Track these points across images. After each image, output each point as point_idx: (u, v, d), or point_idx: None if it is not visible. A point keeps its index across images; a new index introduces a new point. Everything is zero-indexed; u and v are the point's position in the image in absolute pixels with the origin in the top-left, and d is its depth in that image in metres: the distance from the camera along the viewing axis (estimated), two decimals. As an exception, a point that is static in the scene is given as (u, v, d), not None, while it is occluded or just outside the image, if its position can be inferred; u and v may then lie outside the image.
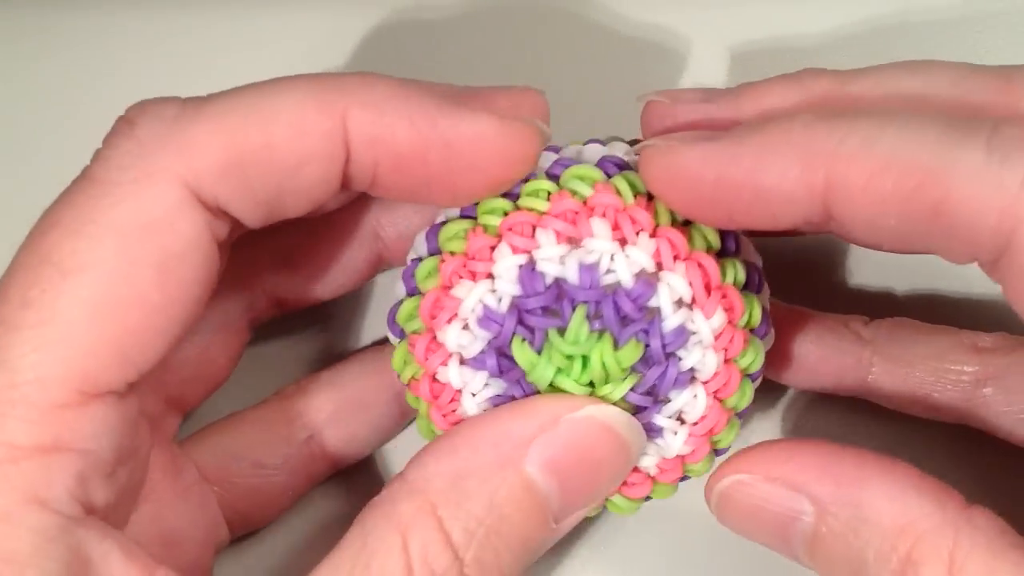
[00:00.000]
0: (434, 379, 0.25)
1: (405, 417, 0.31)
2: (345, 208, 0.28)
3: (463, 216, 0.25)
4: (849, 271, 0.31)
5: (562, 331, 0.24)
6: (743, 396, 0.25)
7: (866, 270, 0.31)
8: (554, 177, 0.24)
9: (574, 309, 0.24)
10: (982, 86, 0.23)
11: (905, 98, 0.23)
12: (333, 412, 0.29)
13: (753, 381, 0.26)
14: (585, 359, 0.24)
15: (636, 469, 0.25)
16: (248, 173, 0.22)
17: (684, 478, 0.26)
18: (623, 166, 0.25)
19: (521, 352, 0.24)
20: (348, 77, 0.23)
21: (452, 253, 0.24)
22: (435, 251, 0.25)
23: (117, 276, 0.21)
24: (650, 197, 0.24)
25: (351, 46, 0.34)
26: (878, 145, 0.21)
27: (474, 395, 0.25)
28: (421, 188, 0.24)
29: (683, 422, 0.25)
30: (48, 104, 0.34)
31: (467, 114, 0.23)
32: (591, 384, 0.24)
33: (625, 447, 0.24)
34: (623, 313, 0.24)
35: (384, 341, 0.31)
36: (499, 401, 0.24)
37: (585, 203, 0.24)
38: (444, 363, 0.24)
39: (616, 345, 0.24)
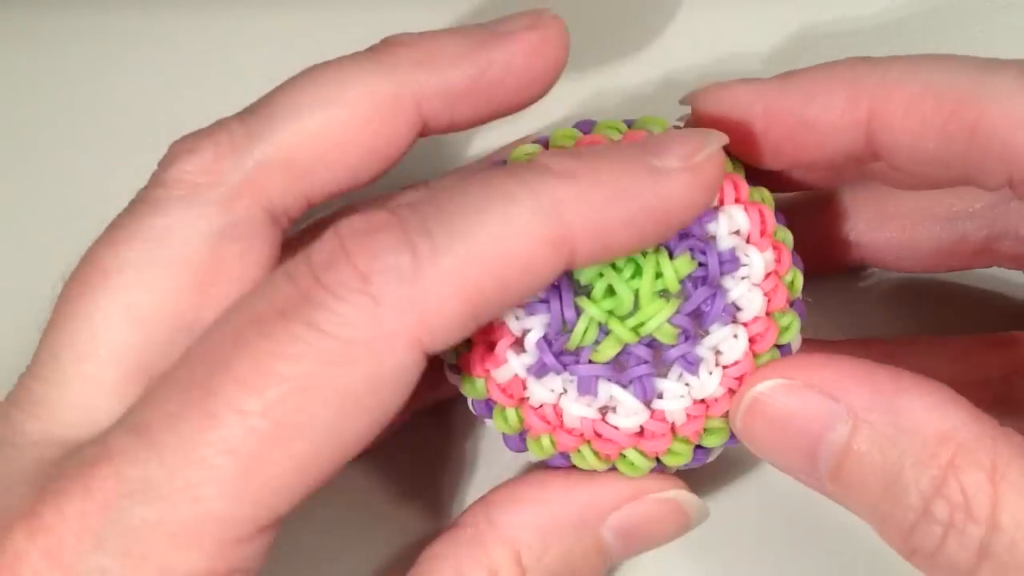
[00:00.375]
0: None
1: (413, 411, 0.30)
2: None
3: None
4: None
5: None
6: (773, 358, 0.25)
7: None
8: (628, 123, 0.26)
9: None
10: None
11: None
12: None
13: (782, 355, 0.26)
14: (638, 267, 0.24)
15: (660, 418, 0.25)
16: (479, 318, 0.22)
17: (699, 452, 0.26)
18: None
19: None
20: (565, 186, 0.22)
21: None
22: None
23: (331, 436, 0.21)
24: None
25: (349, 46, 0.34)
26: (918, 75, 0.23)
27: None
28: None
29: (718, 364, 0.25)
30: (48, 104, 0.34)
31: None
32: (636, 299, 0.24)
33: (688, 524, 0.26)
34: (683, 229, 0.24)
35: None
36: (534, 310, 0.24)
37: None
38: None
39: (671, 256, 0.24)
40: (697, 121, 0.26)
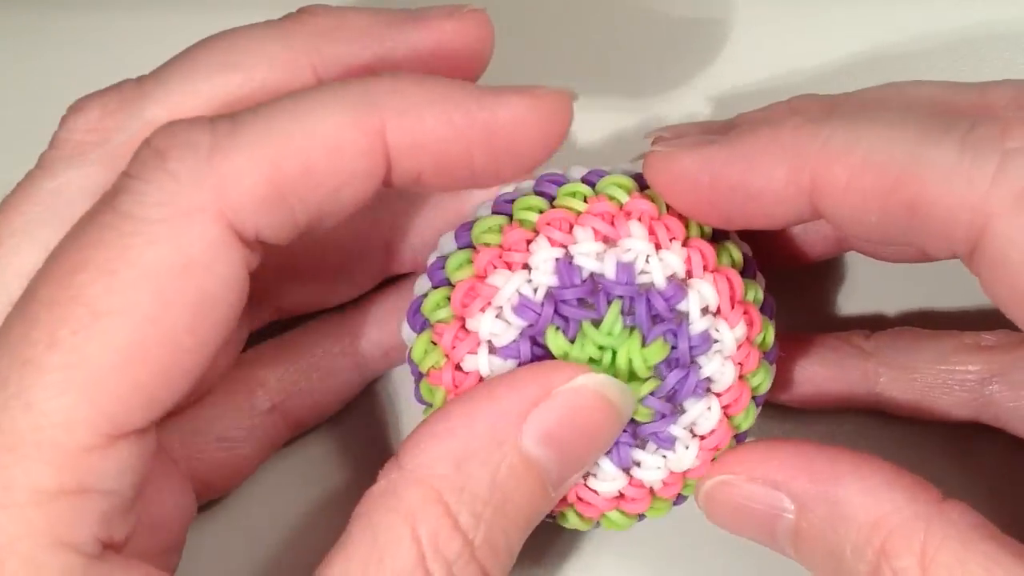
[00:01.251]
0: (457, 368, 0.25)
1: (365, 383, 0.31)
2: (355, 220, 0.27)
3: (496, 213, 0.26)
4: (848, 291, 0.33)
5: (596, 323, 0.24)
6: (748, 416, 0.26)
7: (865, 288, 0.32)
8: (589, 184, 0.25)
9: (609, 303, 0.24)
10: (961, 98, 0.25)
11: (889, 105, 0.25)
12: (294, 381, 0.29)
13: (757, 405, 0.26)
14: (614, 354, 0.24)
15: (638, 484, 0.26)
16: (288, 201, 0.22)
17: (680, 498, 0.27)
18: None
19: (555, 340, 0.24)
20: (377, 83, 0.22)
21: (487, 245, 0.25)
22: (466, 246, 0.25)
23: (151, 320, 0.21)
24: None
25: None
26: (859, 145, 0.22)
27: None
28: (465, 179, 0.24)
29: (694, 435, 0.25)
30: (48, 104, 0.32)
31: (500, 98, 0.23)
32: None
33: (616, 412, 0.25)
34: (654, 312, 0.24)
35: (342, 309, 0.31)
36: None
37: (621, 208, 0.25)
38: (473, 351, 0.25)
39: (644, 342, 0.24)
40: (650, 182, 0.25)
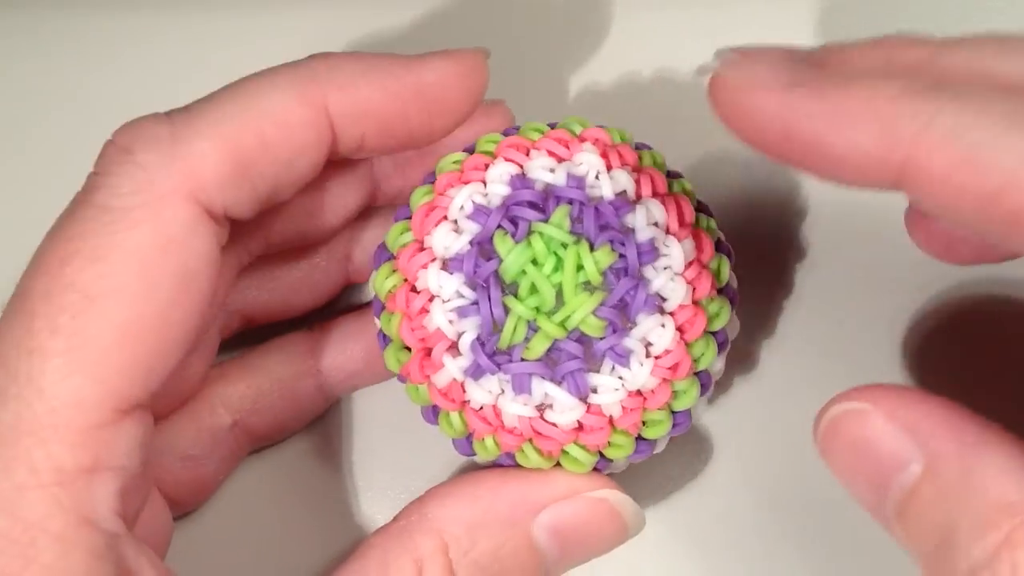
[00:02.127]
0: (412, 289, 0.26)
1: (328, 403, 0.32)
2: (318, 229, 0.30)
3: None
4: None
5: (545, 224, 0.25)
6: (707, 349, 0.26)
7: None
8: (551, 126, 0.27)
9: (558, 206, 0.25)
10: None
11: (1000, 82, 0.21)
12: (256, 399, 0.30)
13: (720, 347, 0.26)
14: (560, 260, 0.25)
15: (597, 411, 0.25)
16: (249, 175, 0.24)
17: (642, 445, 0.26)
18: None
19: (502, 242, 0.25)
20: (314, 63, 0.25)
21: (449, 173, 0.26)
22: (431, 182, 0.27)
23: (140, 297, 0.23)
24: (637, 148, 0.27)
25: (347, 46, 0.35)
26: (965, 137, 0.19)
27: (445, 302, 0.25)
28: (403, 139, 0.26)
29: (648, 355, 0.25)
30: (47, 104, 0.35)
31: (425, 63, 0.26)
32: (561, 294, 0.25)
33: (624, 528, 0.27)
34: (602, 222, 0.25)
35: (309, 326, 0.32)
36: (466, 313, 0.25)
37: (576, 136, 0.26)
38: (425, 266, 0.26)
39: (592, 248, 0.25)
40: (715, 109, 0.23)
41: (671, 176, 0.27)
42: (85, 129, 0.33)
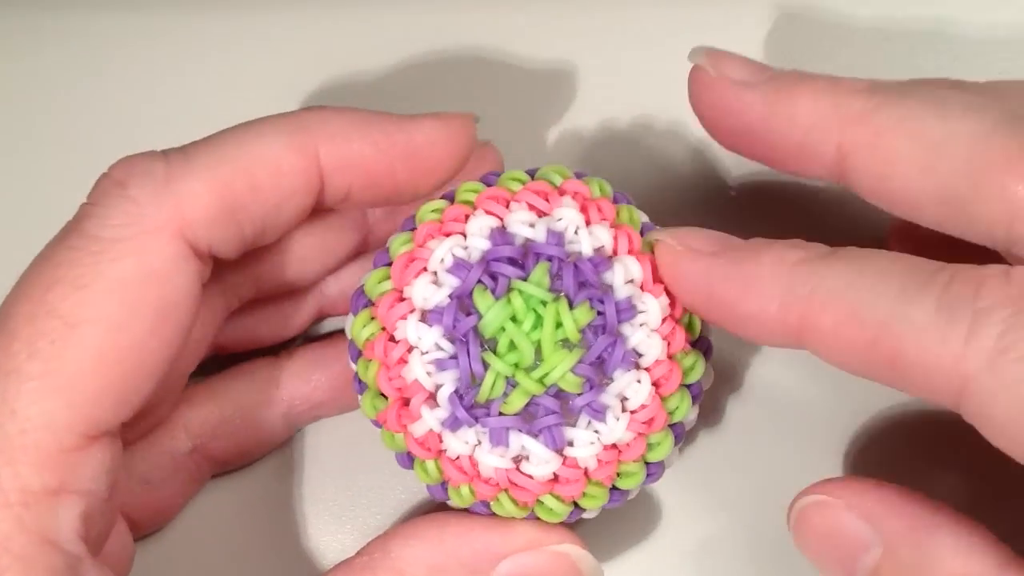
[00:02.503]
0: (391, 339, 0.26)
1: (291, 431, 0.32)
2: (309, 275, 0.30)
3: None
4: None
5: (525, 281, 0.25)
6: (682, 402, 0.26)
7: None
8: (529, 174, 0.27)
9: (538, 263, 0.25)
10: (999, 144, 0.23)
11: (922, 148, 0.23)
12: (218, 425, 0.30)
13: (694, 399, 0.27)
14: (539, 317, 0.25)
15: (572, 464, 0.26)
16: (237, 217, 0.25)
17: (616, 493, 0.26)
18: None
19: (482, 298, 0.25)
20: (307, 114, 0.26)
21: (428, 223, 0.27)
22: (410, 229, 0.27)
23: (119, 327, 0.23)
24: (615, 201, 0.27)
25: (341, 48, 0.35)
26: (845, 297, 0.22)
27: (423, 353, 0.25)
28: (388, 194, 0.27)
29: (625, 409, 0.26)
30: (48, 104, 0.35)
31: (415, 123, 0.27)
32: (540, 350, 0.25)
33: None
34: (581, 279, 0.25)
35: (275, 352, 0.32)
36: (444, 366, 0.25)
37: (556, 188, 0.27)
38: (404, 316, 0.26)
39: (571, 306, 0.25)
40: (659, 261, 0.26)
41: (644, 229, 0.27)
42: (85, 129, 0.34)
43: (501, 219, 0.26)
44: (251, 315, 0.31)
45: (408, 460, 0.27)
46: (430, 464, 0.26)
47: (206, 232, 0.25)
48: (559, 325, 0.25)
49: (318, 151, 0.26)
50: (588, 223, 0.26)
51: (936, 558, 0.23)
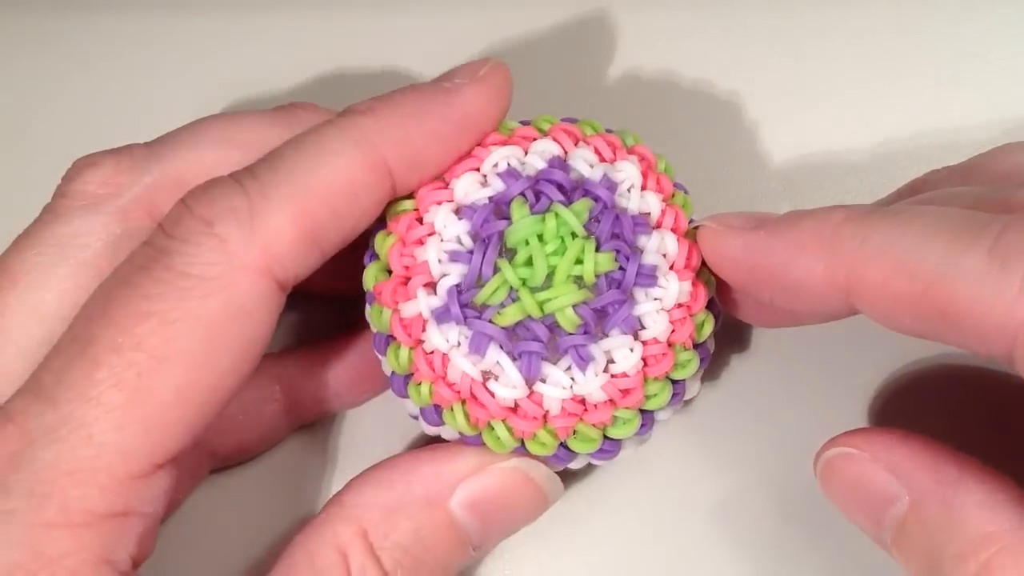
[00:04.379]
0: (419, 220, 0.26)
1: (294, 428, 0.32)
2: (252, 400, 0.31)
3: None
4: None
5: (565, 207, 0.25)
6: (662, 392, 0.26)
7: None
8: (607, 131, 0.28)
9: (585, 195, 0.26)
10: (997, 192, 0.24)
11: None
12: (220, 421, 0.30)
13: (675, 396, 0.26)
14: (564, 246, 0.25)
15: (537, 400, 0.25)
16: (320, 243, 0.25)
17: (564, 452, 0.26)
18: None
19: (519, 207, 0.25)
20: (367, 120, 0.26)
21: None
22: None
23: (203, 365, 0.24)
24: (675, 185, 0.27)
25: (348, 47, 0.36)
26: (894, 249, 0.22)
27: (442, 241, 0.26)
28: (452, 159, 0.27)
29: (607, 371, 0.25)
30: (48, 104, 0.35)
31: (460, 93, 0.26)
32: (550, 276, 0.25)
33: (543, 495, 0.27)
34: (617, 230, 0.26)
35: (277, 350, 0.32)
36: (457, 258, 0.25)
37: (627, 148, 0.27)
38: (439, 202, 0.26)
39: (597, 249, 0.25)
40: (703, 255, 0.27)
41: (678, 191, 0.27)
42: (85, 129, 0.34)
43: (566, 152, 0.26)
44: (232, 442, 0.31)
45: (384, 343, 0.27)
46: (404, 351, 0.26)
47: (293, 265, 0.25)
48: (579, 261, 0.25)
49: (387, 161, 0.25)
50: (644, 188, 0.26)
51: (962, 513, 0.23)
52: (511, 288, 0.25)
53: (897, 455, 0.25)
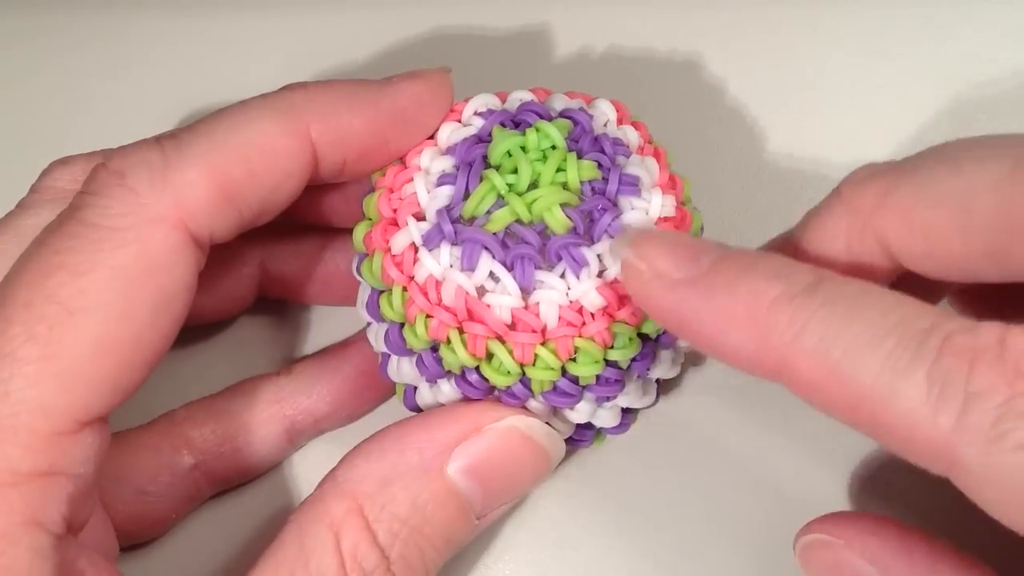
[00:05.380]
0: (405, 167, 0.27)
1: (294, 448, 0.31)
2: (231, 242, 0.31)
3: None
4: None
5: (546, 122, 0.26)
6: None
7: None
8: None
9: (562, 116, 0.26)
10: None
11: (950, 212, 0.23)
12: (220, 442, 0.30)
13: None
14: (546, 156, 0.26)
15: (534, 311, 0.25)
16: (235, 203, 0.25)
17: (567, 386, 0.25)
18: None
19: (499, 131, 0.26)
20: (295, 93, 0.26)
21: None
22: None
23: (118, 316, 0.23)
24: None
25: (344, 47, 0.36)
26: (829, 353, 0.21)
27: (429, 175, 0.26)
28: (381, 160, 0.27)
29: (601, 276, 0.25)
30: (48, 104, 0.36)
31: (398, 87, 0.27)
32: (534, 184, 0.25)
33: (544, 454, 0.26)
34: (597, 147, 0.26)
35: (276, 370, 0.31)
36: (444, 181, 0.26)
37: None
38: (421, 150, 0.27)
39: (580, 157, 0.26)
40: (626, 282, 0.24)
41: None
42: (85, 129, 0.36)
43: (542, 102, 0.27)
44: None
45: (375, 304, 0.26)
46: (396, 292, 0.25)
47: (207, 220, 0.25)
48: (562, 171, 0.25)
49: (310, 130, 0.26)
50: (620, 124, 0.27)
51: None
52: (498, 195, 0.25)
53: (870, 543, 0.25)
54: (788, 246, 0.26)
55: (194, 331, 0.32)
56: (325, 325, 0.33)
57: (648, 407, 0.28)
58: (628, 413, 0.27)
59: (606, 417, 0.27)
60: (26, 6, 0.36)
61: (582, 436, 0.27)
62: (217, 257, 0.30)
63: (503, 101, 0.27)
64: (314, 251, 0.32)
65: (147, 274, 0.23)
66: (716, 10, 0.36)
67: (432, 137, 0.27)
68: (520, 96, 0.27)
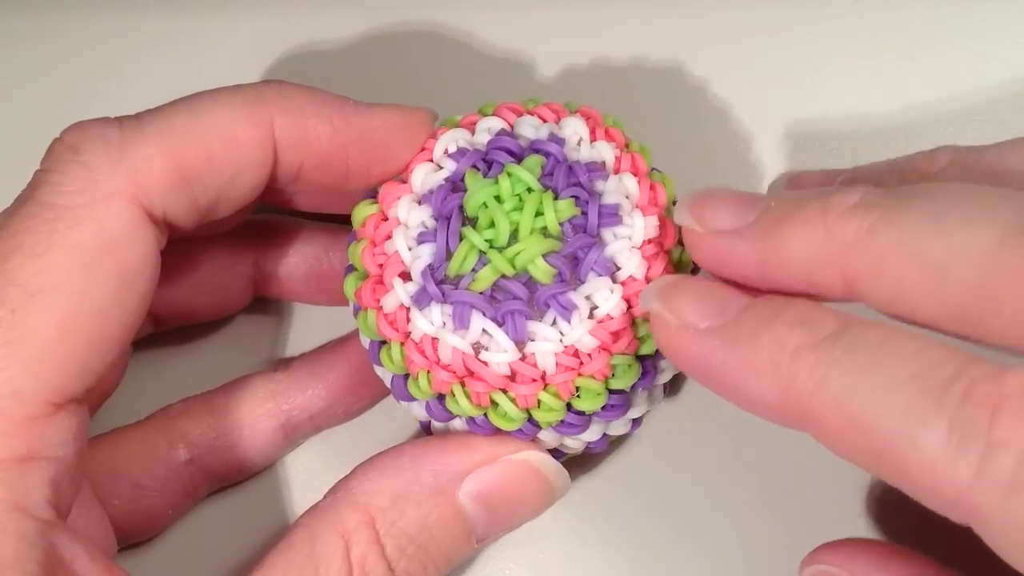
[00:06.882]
0: (384, 219, 0.27)
1: (290, 445, 0.32)
2: (225, 234, 0.31)
3: None
4: None
5: (516, 166, 0.26)
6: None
7: None
8: None
9: (535, 153, 0.26)
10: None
11: (927, 270, 0.22)
12: (216, 437, 0.30)
13: None
14: (522, 201, 0.26)
15: (531, 362, 0.25)
16: (192, 185, 0.25)
17: (573, 420, 0.26)
18: None
19: (472, 177, 0.26)
20: (268, 87, 0.26)
21: None
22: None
23: (80, 294, 0.23)
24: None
25: (339, 48, 0.36)
26: (851, 402, 0.21)
27: (408, 229, 0.26)
28: (338, 177, 0.27)
29: (592, 316, 0.25)
30: (48, 104, 0.35)
31: (373, 109, 0.27)
32: (515, 233, 0.25)
33: (550, 489, 0.27)
34: (573, 180, 0.26)
35: (272, 367, 0.32)
36: (424, 239, 0.26)
37: (572, 112, 0.28)
38: (399, 197, 0.26)
39: (556, 199, 0.26)
40: (655, 334, 0.25)
41: (654, 171, 0.27)
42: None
43: (512, 125, 0.27)
44: (187, 289, 0.31)
45: (376, 352, 0.27)
46: (395, 348, 0.26)
47: (161, 199, 0.24)
48: (540, 213, 0.25)
49: (273, 124, 0.25)
50: (594, 139, 0.27)
51: None
52: (480, 253, 0.25)
53: (872, 571, 0.25)
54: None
55: (191, 330, 0.32)
56: (321, 324, 0.33)
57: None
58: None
59: (618, 427, 0.27)
60: (26, 6, 0.36)
61: (597, 444, 0.28)
62: (213, 256, 0.31)
63: (472, 131, 0.27)
64: (310, 250, 0.32)
65: (106, 251, 0.23)
66: (708, 9, 0.35)
67: (405, 181, 0.27)
68: (489, 125, 0.27)
